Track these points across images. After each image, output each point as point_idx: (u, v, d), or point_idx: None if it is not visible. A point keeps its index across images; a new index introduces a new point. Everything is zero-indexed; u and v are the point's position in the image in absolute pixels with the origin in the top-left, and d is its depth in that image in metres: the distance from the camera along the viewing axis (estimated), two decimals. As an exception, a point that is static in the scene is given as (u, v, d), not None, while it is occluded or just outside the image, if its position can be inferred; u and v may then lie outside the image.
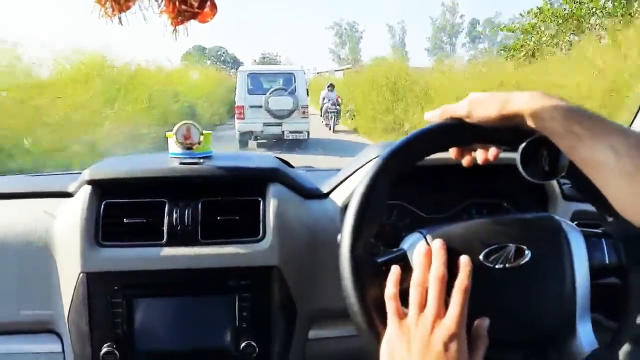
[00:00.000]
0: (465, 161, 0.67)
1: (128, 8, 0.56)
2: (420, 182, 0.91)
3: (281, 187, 0.96)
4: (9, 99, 5.76)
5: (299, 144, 9.55)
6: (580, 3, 8.94)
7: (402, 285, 0.58)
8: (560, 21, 9.28)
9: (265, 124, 9.30)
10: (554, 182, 0.99)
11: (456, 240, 0.60)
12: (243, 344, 0.88)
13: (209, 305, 0.90)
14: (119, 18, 0.56)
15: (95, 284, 0.87)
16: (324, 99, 12.48)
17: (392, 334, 0.56)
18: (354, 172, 0.98)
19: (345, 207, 0.69)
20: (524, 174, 0.59)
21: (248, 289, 0.89)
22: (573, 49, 8.20)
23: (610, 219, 0.62)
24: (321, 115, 12.90)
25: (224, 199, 0.93)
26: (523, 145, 0.58)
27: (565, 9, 9.24)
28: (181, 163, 0.97)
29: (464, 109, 0.59)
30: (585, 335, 0.61)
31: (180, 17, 0.59)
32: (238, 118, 9.38)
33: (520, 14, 10.34)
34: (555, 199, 1.00)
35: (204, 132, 0.99)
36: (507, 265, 0.59)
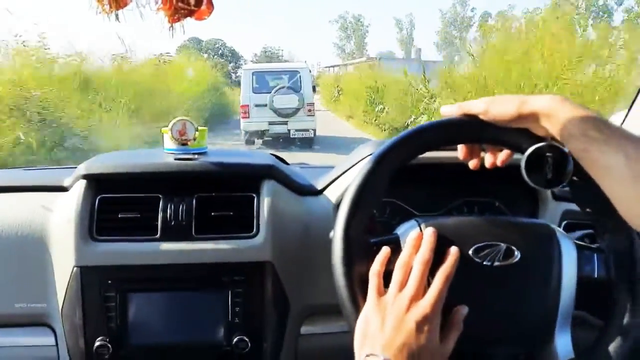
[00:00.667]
0: (472, 163, 0.67)
1: (125, 5, 0.57)
2: (412, 181, 0.92)
3: (275, 184, 0.97)
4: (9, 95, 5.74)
5: (309, 142, 9.45)
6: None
7: (388, 267, 0.59)
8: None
9: (271, 123, 9.24)
10: None
11: (449, 231, 0.61)
12: (235, 339, 0.88)
13: (202, 300, 0.90)
14: (116, 15, 0.57)
15: (89, 278, 0.87)
16: None
17: (369, 309, 0.57)
18: (348, 169, 0.99)
19: (338, 204, 0.70)
20: (527, 179, 0.59)
21: (241, 284, 0.89)
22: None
23: (605, 236, 0.63)
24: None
25: (219, 194, 0.94)
26: (530, 150, 0.58)
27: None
28: (176, 159, 0.97)
29: (481, 105, 0.60)
30: (562, 344, 0.62)
31: (177, 15, 0.60)
32: (243, 117, 9.33)
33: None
34: (545, 198, 1.01)
35: (200, 128, 1.00)
36: (495, 263, 0.61)
